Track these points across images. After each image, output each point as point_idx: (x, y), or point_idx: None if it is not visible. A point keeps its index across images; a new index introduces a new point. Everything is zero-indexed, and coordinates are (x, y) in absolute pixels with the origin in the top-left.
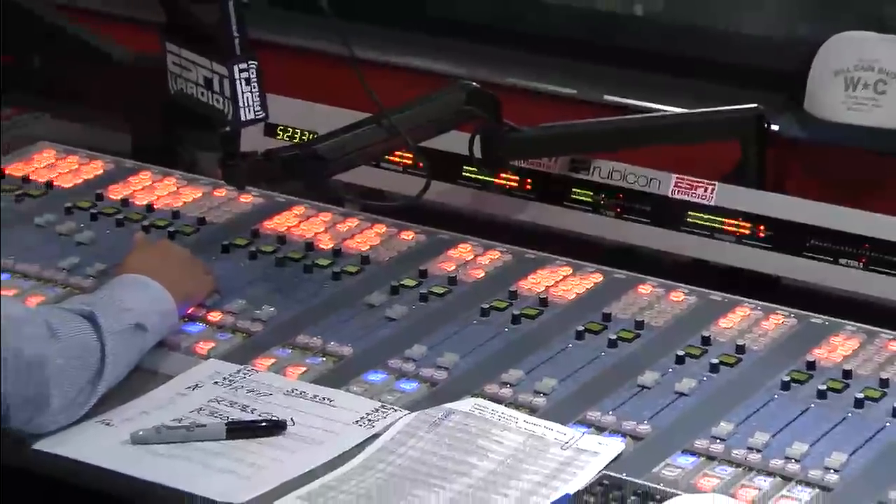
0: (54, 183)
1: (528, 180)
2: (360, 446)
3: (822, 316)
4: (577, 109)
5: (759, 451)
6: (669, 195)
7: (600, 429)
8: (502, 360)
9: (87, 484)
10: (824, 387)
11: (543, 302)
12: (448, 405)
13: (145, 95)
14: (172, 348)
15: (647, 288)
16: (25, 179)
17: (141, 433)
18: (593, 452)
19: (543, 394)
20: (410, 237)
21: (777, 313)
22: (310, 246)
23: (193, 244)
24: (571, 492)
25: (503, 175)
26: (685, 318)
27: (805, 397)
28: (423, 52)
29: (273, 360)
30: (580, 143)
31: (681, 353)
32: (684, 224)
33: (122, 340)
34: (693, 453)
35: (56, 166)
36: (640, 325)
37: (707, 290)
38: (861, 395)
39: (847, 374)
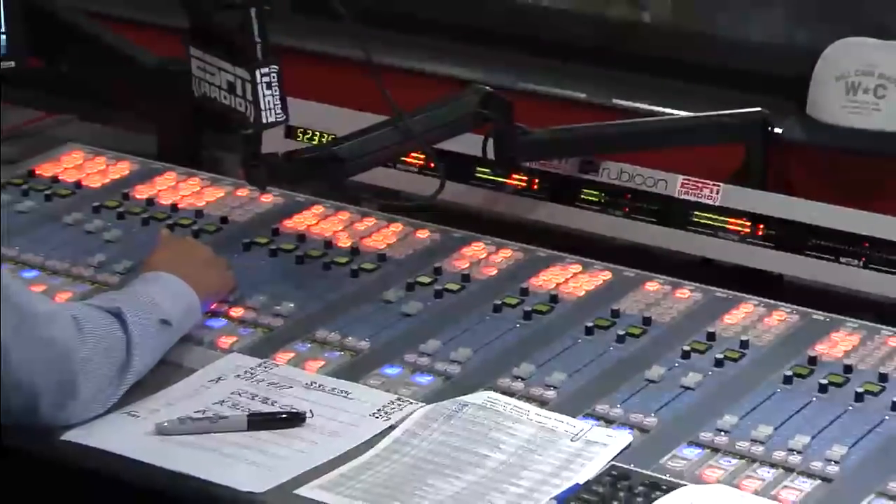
0: (82, 183)
1: (540, 181)
2: (377, 437)
3: (823, 313)
4: (587, 113)
5: (762, 443)
6: (676, 195)
7: (609, 421)
8: (514, 355)
9: (113, 473)
10: (825, 381)
11: (554, 299)
12: (462, 398)
13: (170, 98)
14: (196, 343)
15: (655, 285)
16: (54, 179)
17: (166, 424)
18: (602, 444)
19: (554, 387)
20: (425, 236)
21: (780, 310)
22: (328, 244)
23: (216, 242)
24: (581, 482)
25: (515, 176)
26: (691, 315)
27: (807, 391)
28: (438, 57)
29: (293, 354)
30: (590, 146)
31: (686, 348)
32: (690, 223)
33: (147, 335)
34: (698, 445)
35: (84, 167)
36: (647, 321)
37: (712, 288)
38: (861, 390)
39: (847, 368)
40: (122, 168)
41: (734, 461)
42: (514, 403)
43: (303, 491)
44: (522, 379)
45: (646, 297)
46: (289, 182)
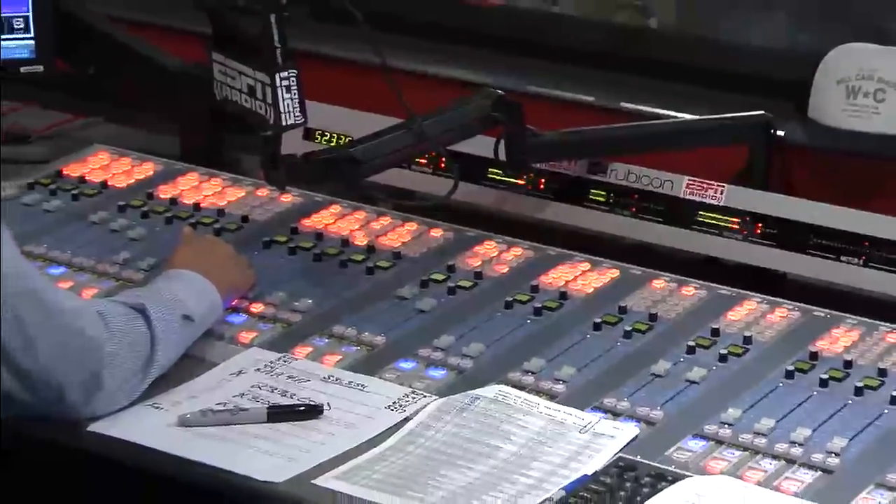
0: (108, 183)
1: (549, 181)
2: (392, 429)
3: (824, 309)
4: (595, 116)
5: (764, 435)
6: (681, 196)
7: (616, 414)
8: (525, 350)
9: (137, 463)
10: (826, 376)
11: (563, 296)
12: (474, 391)
13: (193, 102)
14: (217, 337)
15: (661, 283)
16: (81, 180)
17: (188, 416)
18: (609, 436)
19: (563, 381)
20: (439, 234)
21: (782, 307)
22: (345, 242)
23: (237, 240)
24: (589, 473)
25: (526, 177)
26: (696, 312)
27: (808, 385)
28: (451, 61)
29: (311, 349)
30: (598, 147)
31: (692, 343)
32: (695, 223)
33: (171, 331)
34: (703, 437)
35: (110, 167)
36: (653, 317)
37: (716, 285)
38: (861, 384)
39: (848, 364)
40: (147, 168)
41: (737, 453)
42: (525, 397)
43: (320, 481)
44: (533, 373)
45: (652, 295)
46: (307, 182)
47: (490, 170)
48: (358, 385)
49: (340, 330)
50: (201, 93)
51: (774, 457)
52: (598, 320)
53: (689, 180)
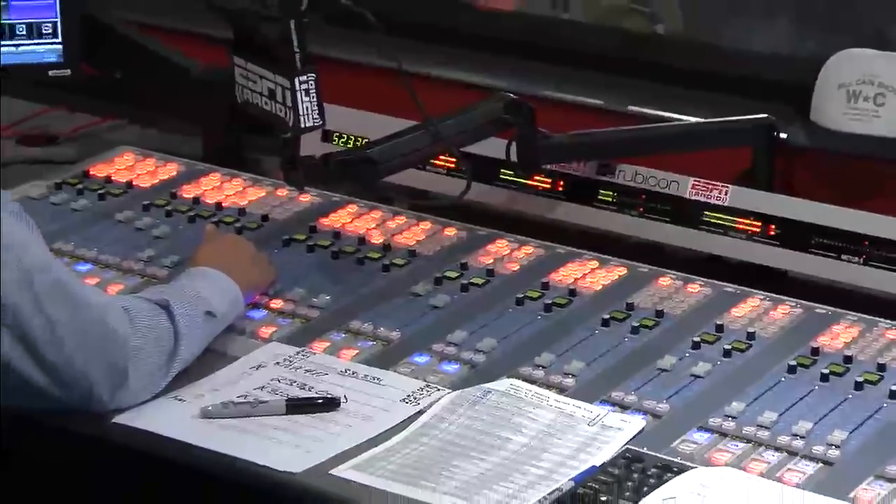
0: (133, 183)
1: (560, 182)
2: (407, 421)
3: (825, 306)
4: (604, 119)
5: (767, 428)
6: (687, 196)
7: (623, 407)
8: (535, 345)
9: (161, 453)
10: (827, 371)
11: (573, 292)
12: (486, 385)
13: (215, 104)
14: (238, 332)
15: (667, 280)
16: (108, 180)
17: (210, 408)
18: (617, 429)
19: (572, 375)
20: (453, 233)
21: (784, 304)
22: (362, 241)
23: (257, 238)
24: (597, 464)
25: (537, 177)
26: (701, 308)
27: (809, 380)
28: (465, 66)
29: (328, 344)
30: (606, 149)
31: (697, 339)
32: (700, 223)
33: (194, 326)
34: (707, 430)
35: (135, 168)
36: (660, 313)
37: (721, 283)
38: (860, 379)
39: (848, 359)
40: (171, 169)
41: (741, 445)
42: (535, 390)
43: (337, 471)
44: (543, 367)
45: (659, 292)
46: (325, 183)
47: (502, 170)
48: (374, 379)
49: (357, 325)
50: (223, 96)
51: (777, 449)
52: (607, 316)
53: (695, 181)
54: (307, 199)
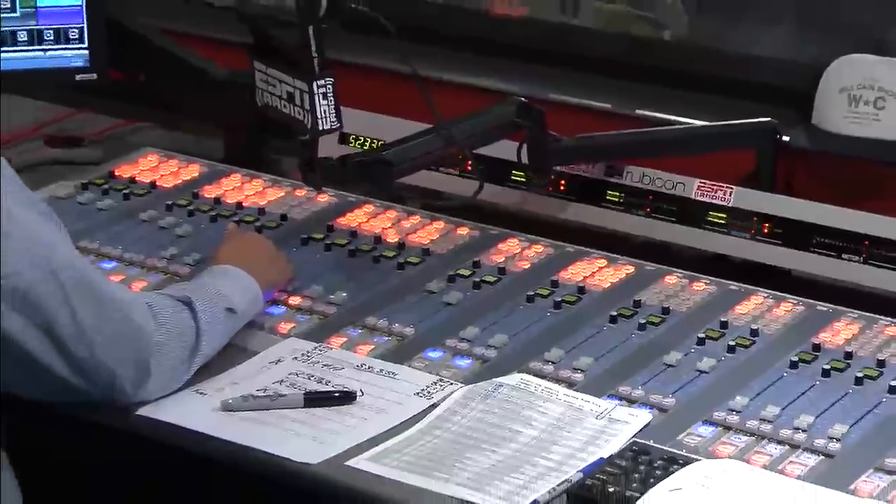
0: (157, 183)
1: (569, 183)
2: (420, 415)
3: (826, 304)
4: (612, 122)
5: (770, 422)
6: (692, 197)
7: (631, 401)
8: (545, 341)
9: (183, 444)
10: (828, 366)
11: (581, 290)
12: (497, 379)
13: (236, 107)
14: (258, 328)
15: (673, 278)
16: (132, 180)
17: (230, 401)
18: (624, 422)
19: (581, 370)
20: (465, 232)
21: (787, 301)
22: (378, 240)
23: (277, 237)
24: (605, 456)
25: (547, 179)
26: (706, 306)
27: (811, 375)
28: (477, 71)
29: (345, 339)
30: (614, 152)
31: (702, 335)
32: (705, 222)
33: (215, 322)
34: (712, 423)
35: (158, 169)
36: (666, 311)
37: (725, 281)
38: (861, 374)
39: (848, 355)
40: (193, 170)
41: (744, 438)
42: (545, 385)
43: (353, 462)
44: (552, 363)
45: (665, 290)
46: (342, 183)
47: (513, 172)
48: (389, 373)
49: (373, 321)
50: (244, 99)
51: (779, 442)
52: (614, 313)
53: (700, 182)
54: (325, 199)
